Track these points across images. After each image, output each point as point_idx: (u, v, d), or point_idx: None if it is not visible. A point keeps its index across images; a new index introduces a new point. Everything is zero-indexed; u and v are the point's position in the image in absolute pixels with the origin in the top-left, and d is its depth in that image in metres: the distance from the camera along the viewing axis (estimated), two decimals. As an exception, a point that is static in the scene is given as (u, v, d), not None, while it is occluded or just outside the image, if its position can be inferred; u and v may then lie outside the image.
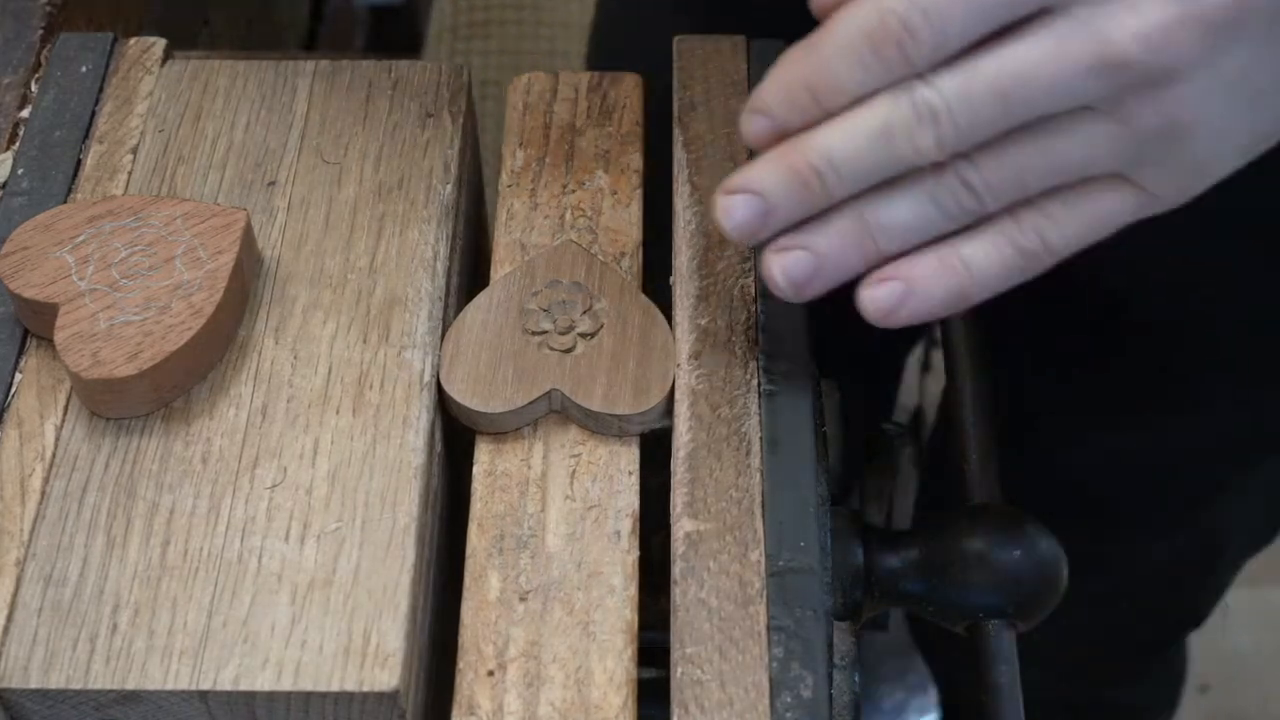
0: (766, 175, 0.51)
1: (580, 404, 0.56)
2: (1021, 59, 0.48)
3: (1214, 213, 0.56)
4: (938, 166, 0.50)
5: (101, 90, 0.65)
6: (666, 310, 0.59)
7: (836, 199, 0.51)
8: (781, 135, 0.51)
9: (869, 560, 0.59)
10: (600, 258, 0.60)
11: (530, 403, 0.56)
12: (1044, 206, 0.51)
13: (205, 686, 0.50)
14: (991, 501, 0.64)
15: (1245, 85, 0.49)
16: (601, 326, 0.58)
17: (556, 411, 0.57)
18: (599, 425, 0.56)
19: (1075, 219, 0.51)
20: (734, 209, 0.51)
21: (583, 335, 0.58)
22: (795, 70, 0.50)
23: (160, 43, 0.66)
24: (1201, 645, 1.50)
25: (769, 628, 0.52)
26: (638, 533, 0.54)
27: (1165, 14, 0.47)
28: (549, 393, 0.56)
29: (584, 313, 0.58)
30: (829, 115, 0.50)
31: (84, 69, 0.65)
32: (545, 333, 0.58)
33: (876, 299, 0.51)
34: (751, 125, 0.51)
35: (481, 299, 0.59)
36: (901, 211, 0.51)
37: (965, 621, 0.60)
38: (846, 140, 0.50)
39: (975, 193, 0.50)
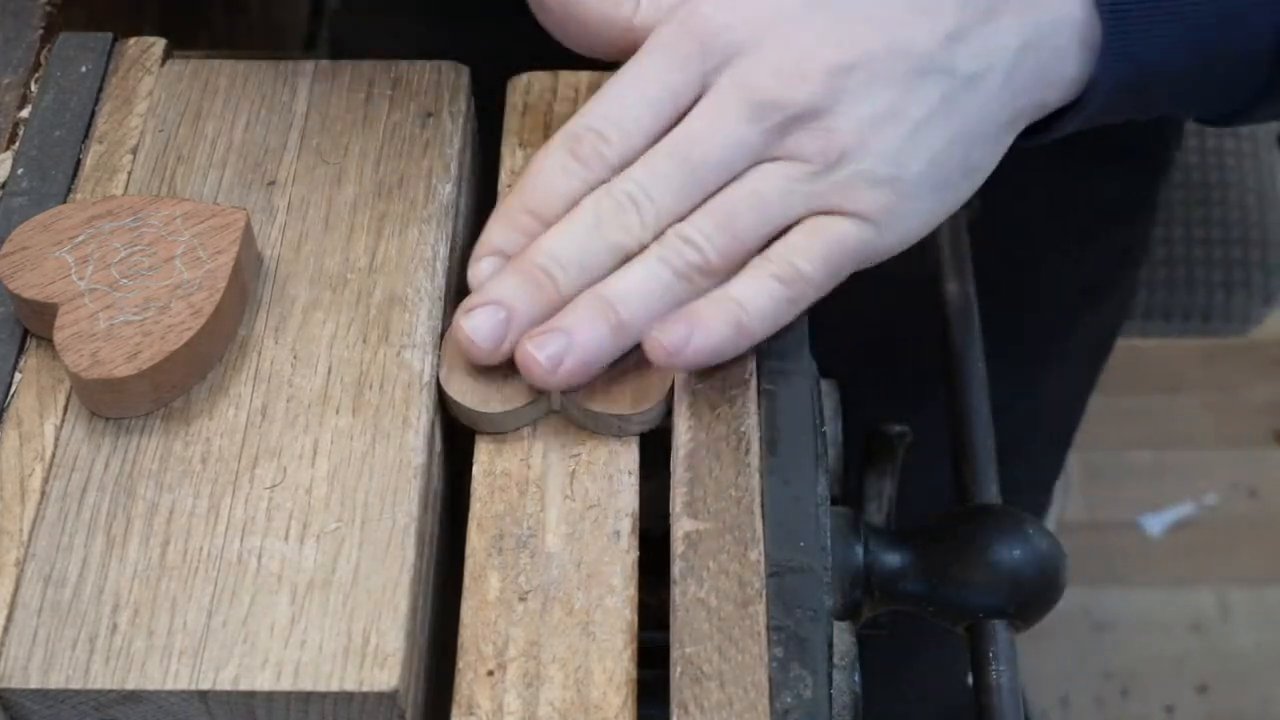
0: (501, 285, 0.56)
1: (580, 404, 0.56)
2: (689, 127, 0.57)
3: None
4: (659, 236, 0.56)
5: (101, 90, 0.65)
6: None
7: (571, 292, 0.56)
8: (505, 295, 0.56)
9: (869, 560, 0.59)
10: None
11: (530, 403, 0.56)
12: (788, 239, 0.57)
13: (205, 686, 0.50)
14: (992, 502, 0.64)
15: (901, 118, 0.56)
16: None
17: (556, 411, 0.57)
18: (599, 425, 0.56)
19: (816, 246, 0.56)
20: (477, 323, 0.56)
21: None
22: (513, 203, 0.58)
23: (160, 43, 0.66)
24: (1201, 645, 1.51)
25: (768, 627, 0.52)
26: (637, 533, 0.54)
27: (791, 59, 0.56)
28: (548, 392, 0.56)
29: None
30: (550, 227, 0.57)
31: (84, 69, 0.65)
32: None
33: (661, 340, 0.55)
34: (481, 268, 0.57)
35: None
36: (634, 279, 0.56)
37: (965, 621, 0.60)
38: (565, 238, 0.56)
39: (695, 246, 0.56)
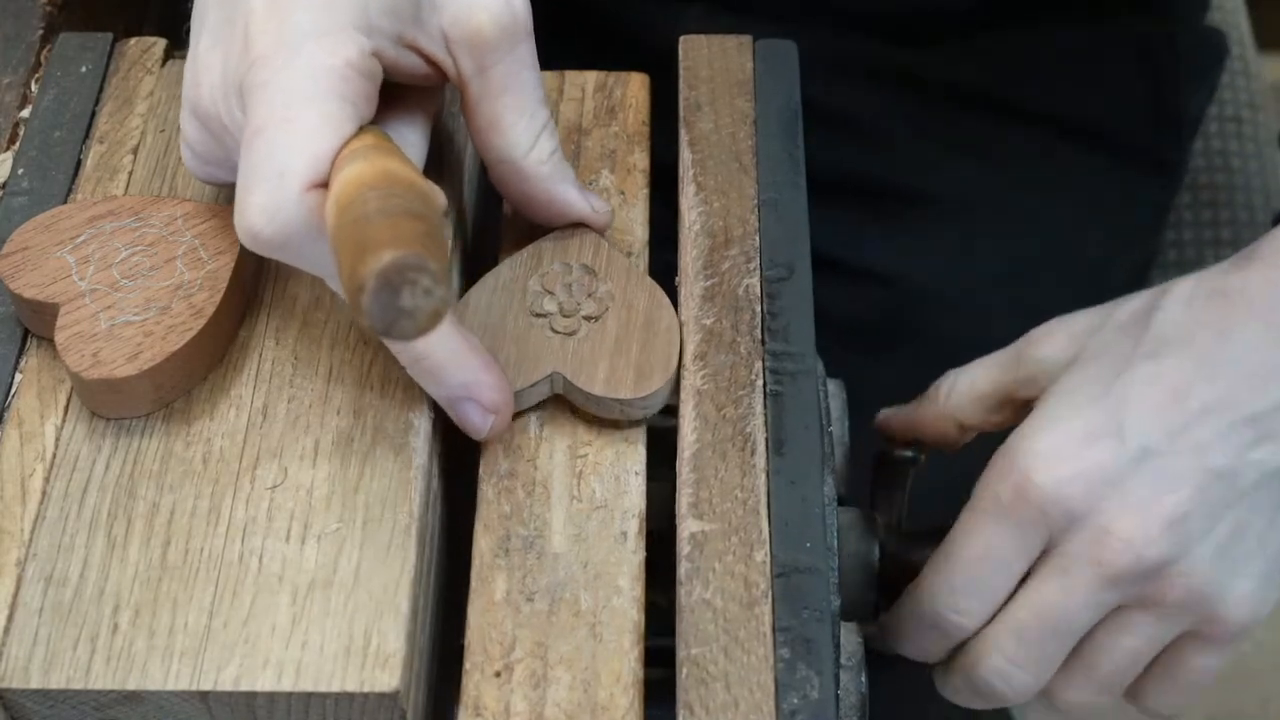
0: None
1: (581, 387, 0.56)
2: (1046, 599, 0.59)
3: None
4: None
5: (102, 90, 0.65)
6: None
7: None
8: None
9: (884, 560, 0.59)
10: (608, 244, 0.60)
11: (531, 385, 0.56)
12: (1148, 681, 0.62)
13: (206, 687, 0.49)
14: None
15: (1247, 533, 0.59)
16: (606, 310, 0.58)
17: (560, 394, 0.57)
18: (600, 408, 0.56)
19: (1175, 682, 0.62)
20: None
21: (587, 318, 0.57)
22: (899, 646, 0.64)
23: (160, 43, 0.66)
24: (1200, 647, 1.50)
25: (774, 628, 0.51)
26: (644, 533, 0.54)
27: (1133, 523, 0.58)
28: (550, 375, 0.56)
29: (589, 296, 0.58)
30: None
31: (84, 69, 0.65)
32: (549, 315, 0.57)
33: None
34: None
35: (489, 279, 0.59)
36: None
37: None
38: (957, 686, 0.63)
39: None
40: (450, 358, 0.54)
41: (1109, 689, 0.62)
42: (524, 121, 0.57)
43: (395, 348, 0.55)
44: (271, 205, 0.51)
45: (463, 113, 0.57)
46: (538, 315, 0.58)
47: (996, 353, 0.66)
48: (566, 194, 0.59)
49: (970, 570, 0.60)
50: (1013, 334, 0.79)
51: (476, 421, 0.55)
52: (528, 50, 0.56)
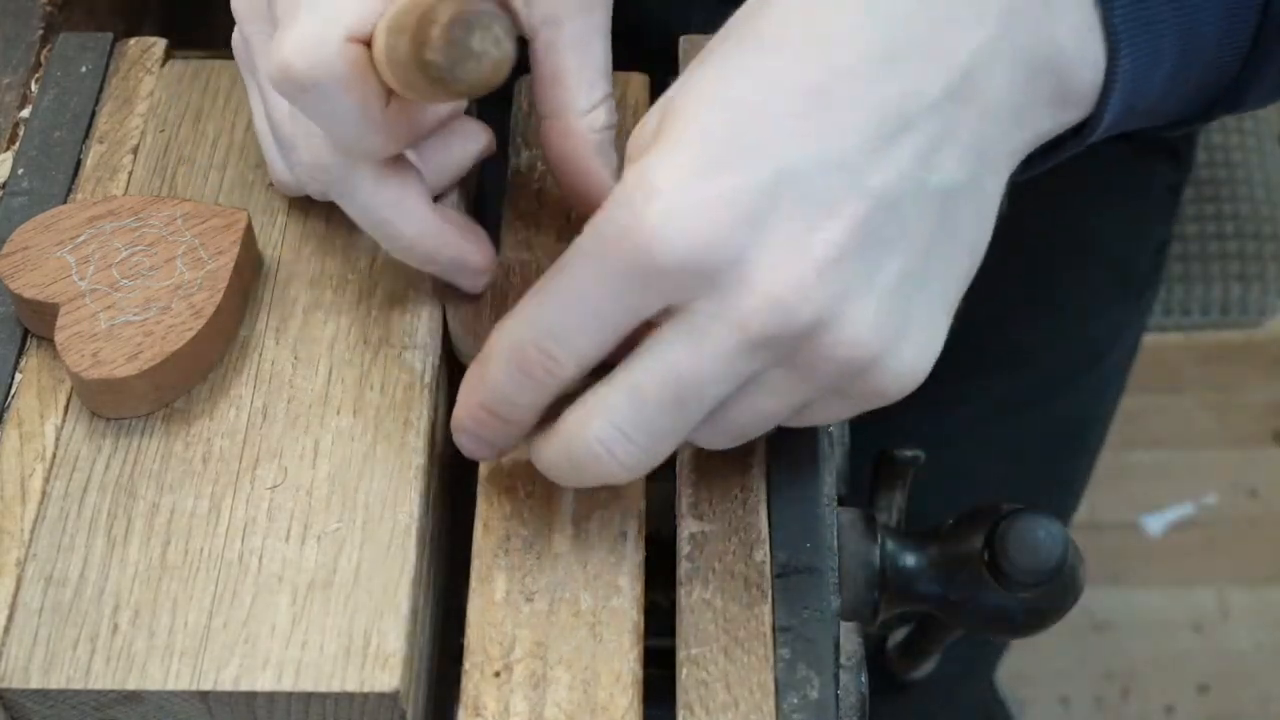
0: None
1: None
2: (672, 363, 0.48)
3: None
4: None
5: (101, 90, 0.65)
6: None
7: None
8: (492, 445, 0.53)
9: (885, 560, 0.59)
10: None
11: None
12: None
13: (206, 687, 0.49)
14: (1010, 505, 0.64)
15: (915, 278, 0.49)
16: None
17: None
18: None
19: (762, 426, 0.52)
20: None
21: None
22: (471, 395, 0.52)
23: (160, 43, 0.66)
24: (1201, 645, 1.51)
25: (774, 628, 0.51)
26: (644, 533, 0.54)
27: (785, 277, 0.47)
28: None
29: None
30: (521, 425, 0.52)
31: (84, 69, 0.65)
32: None
33: None
34: (463, 441, 0.54)
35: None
36: None
37: (978, 625, 0.60)
38: (552, 458, 0.51)
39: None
40: (437, 239, 0.55)
41: (730, 442, 0.52)
42: (587, 84, 0.56)
43: (388, 238, 0.55)
44: (312, 42, 0.49)
45: (531, 63, 0.56)
46: None
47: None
48: (602, 173, 0.56)
49: (563, 313, 0.49)
50: (1029, 324, 0.78)
51: (469, 284, 0.57)
52: (603, 20, 0.56)
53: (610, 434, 0.49)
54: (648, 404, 0.49)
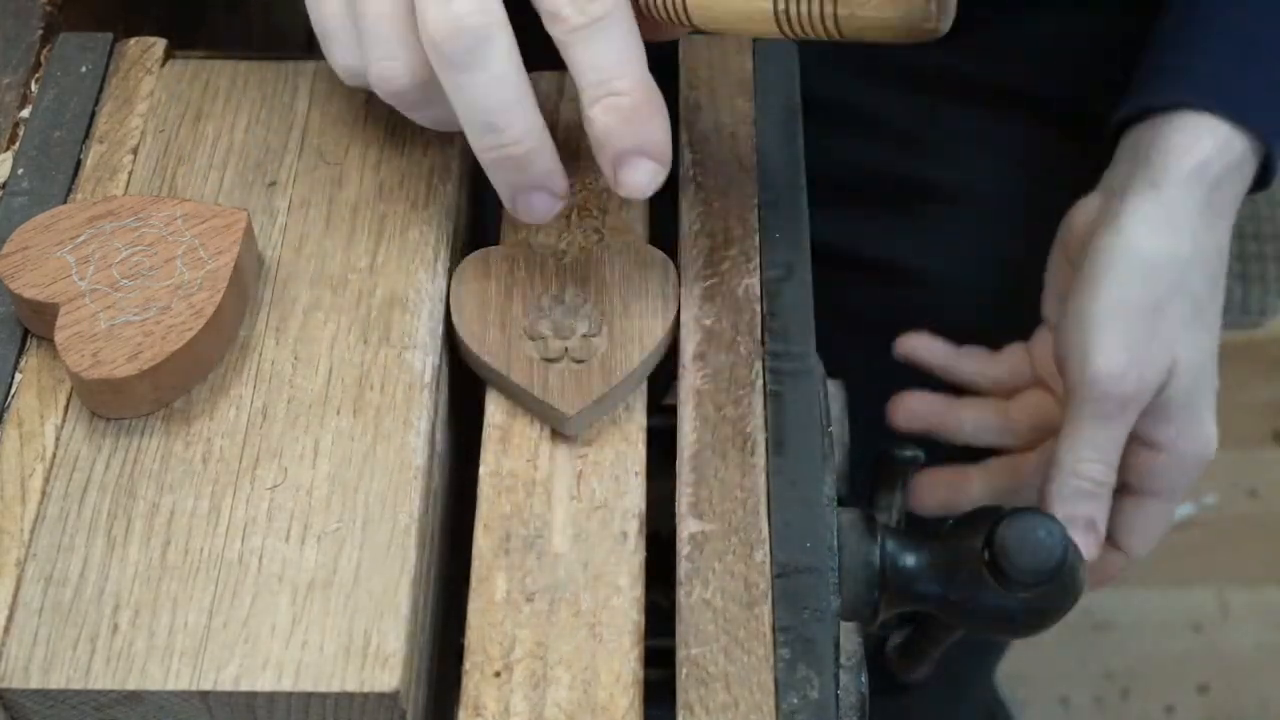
0: None
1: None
2: None
3: None
4: None
5: (101, 90, 0.64)
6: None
7: None
8: None
9: (884, 560, 0.59)
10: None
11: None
12: None
13: (206, 687, 0.49)
14: (1011, 506, 0.64)
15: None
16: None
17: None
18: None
19: None
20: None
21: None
22: None
23: (160, 43, 0.66)
24: (1201, 645, 1.50)
25: (774, 628, 0.51)
26: (644, 533, 0.54)
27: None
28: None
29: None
30: None
31: (84, 69, 0.65)
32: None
33: None
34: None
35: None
36: None
37: (978, 625, 0.60)
38: None
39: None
40: (541, 142, 0.55)
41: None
42: None
43: (497, 127, 0.54)
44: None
45: None
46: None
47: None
48: None
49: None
50: (1021, 324, 0.79)
51: (542, 208, 0.57)
52: None
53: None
54: None
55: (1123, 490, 0.74)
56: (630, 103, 0.53)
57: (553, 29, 0.54)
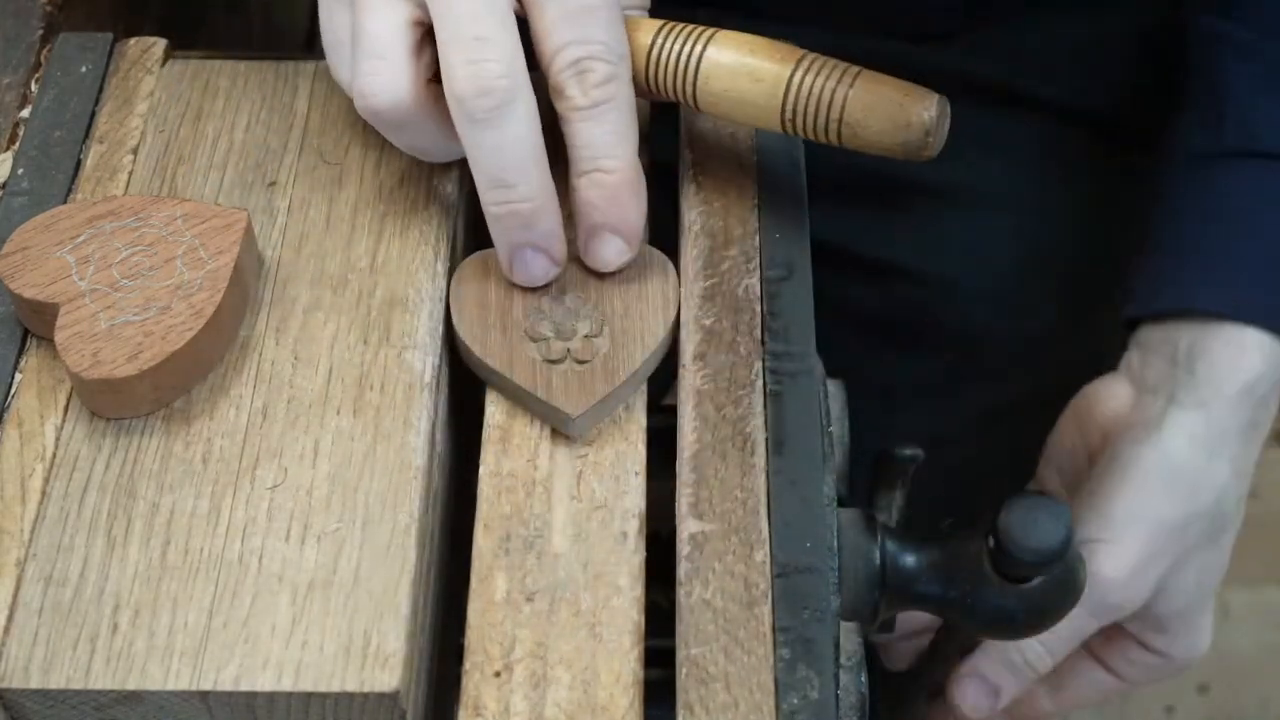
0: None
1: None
2: None
3: None
4: None
5: (101, 90, 0.65)
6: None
7: None
8: None
9: (885, 561, 0.59)
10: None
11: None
12: None
13: (206, 687, 0.49)
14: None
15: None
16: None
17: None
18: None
19: None
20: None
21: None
22: None
23: (160, 43, 0.66)
24: (1201, 646, 1.50)
25: (774, 629, 0.51)
26: (644, 533, 0.54)
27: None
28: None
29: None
30: None
31: (84, 69, 0.65)
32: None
33: None
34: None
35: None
36: None
37: (979, 624, 0.59)
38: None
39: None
40: (549, 201, 0.57)
41: None
42: None
43: (511, 182, 0.56)
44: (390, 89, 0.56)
45: None
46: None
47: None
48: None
49: None
50: (1021, 325, 0.79)
51: (541, 271, 0.58)
52: None
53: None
54: None
55: (1091, 659, 0.76)
56: (615, 181, 0.56)
57: (557, 103, 0.56)
